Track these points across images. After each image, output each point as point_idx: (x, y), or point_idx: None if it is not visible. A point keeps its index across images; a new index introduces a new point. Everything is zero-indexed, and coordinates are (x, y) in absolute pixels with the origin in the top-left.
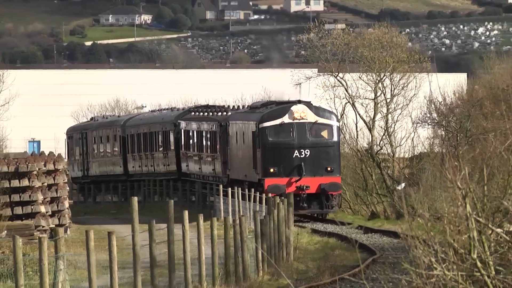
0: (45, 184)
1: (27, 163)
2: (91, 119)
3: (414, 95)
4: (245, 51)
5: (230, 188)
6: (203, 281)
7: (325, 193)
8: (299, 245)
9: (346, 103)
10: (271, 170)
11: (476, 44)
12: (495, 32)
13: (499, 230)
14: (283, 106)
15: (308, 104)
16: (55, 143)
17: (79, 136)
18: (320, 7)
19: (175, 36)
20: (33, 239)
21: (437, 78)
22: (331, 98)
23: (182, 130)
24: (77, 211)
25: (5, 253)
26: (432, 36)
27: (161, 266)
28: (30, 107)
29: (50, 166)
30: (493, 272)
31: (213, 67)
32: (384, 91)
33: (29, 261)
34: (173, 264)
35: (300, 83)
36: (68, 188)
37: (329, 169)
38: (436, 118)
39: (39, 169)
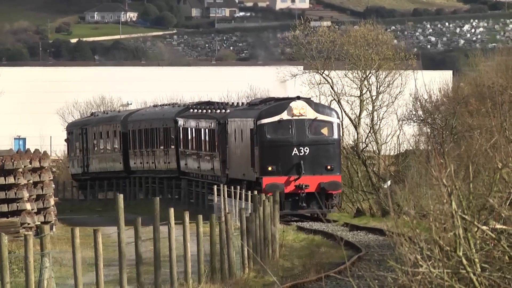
0: (31, 181)
1: (12, 160)
2: (92, 114)
3: (399, 92)
4: (231, 48)
5: (225, 187)
6: (188, 279)
7: (325, 192)
8: (285, 243)
9: (331, 100)
10: (269, 168)
11: (462, 42)
12: (481, 29)
13: (484, 227)
14: (282, 103)
15: (308, 100)
16: (41, 141)
17: (79, 132)
18: (305, 4)
19: (160, 33)
20: (19, 237)
21: (423, 76)
22: (316, 96)
23: (181, 128)
24: (62, 209)
25: None
26: (417, 34)
27: (147, 264)
28: (15, 105)
29: (36, 164)
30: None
31: (198, 64)
32: (369, 89)
33: (14, 259)
34: (158, 262)
35: (285, 81)
36: (53, 185)
37: (329, 167)
38: (422, 116)
39: (24, 166)
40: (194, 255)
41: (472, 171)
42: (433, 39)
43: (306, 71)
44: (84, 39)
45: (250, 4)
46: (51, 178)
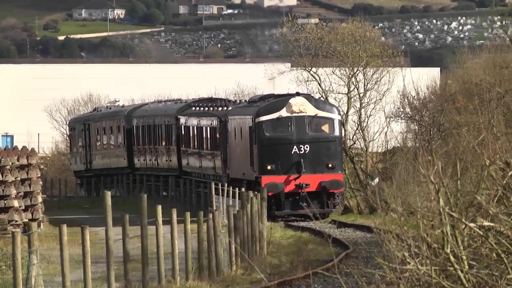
0: (18, 178)
1: (0, 157)
2: (94, 109)
3: (387, 89)
4: (219, 45)
5: (223, 186)
6: (176, 276)
7: (326, 191)
8: (273, 240)
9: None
10: (268, 167)
11: (449, 39)
12: (468, 26)
13: (472, 224)
14: (281, 99)
15: (308, 97)
16: (28, 138)
17: (81, 127)
18: (293, 1)
19: (148, 30)
20: (6, 234)
21: (411, 73)
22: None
23: (182, 126)
24: (50, 205)
25: None
26: (405, 31)
27: (134, 261)
28: (3, 102)
29: (23, 161)
30: (466, 267)
31: (186, 61)
32: (357, 86)
33: (2, 256)
34: (146, 259)
35: (273, 78)
36: (41, 182)
37: (330, 165)
38: (409, 113)
39: (12, 163)
40: (182, 253)
41: (459, 168)
42: (420, 36)
43: (294, 68)
44: (72, 36)
45: (237, 1)
46: (39, 175)
